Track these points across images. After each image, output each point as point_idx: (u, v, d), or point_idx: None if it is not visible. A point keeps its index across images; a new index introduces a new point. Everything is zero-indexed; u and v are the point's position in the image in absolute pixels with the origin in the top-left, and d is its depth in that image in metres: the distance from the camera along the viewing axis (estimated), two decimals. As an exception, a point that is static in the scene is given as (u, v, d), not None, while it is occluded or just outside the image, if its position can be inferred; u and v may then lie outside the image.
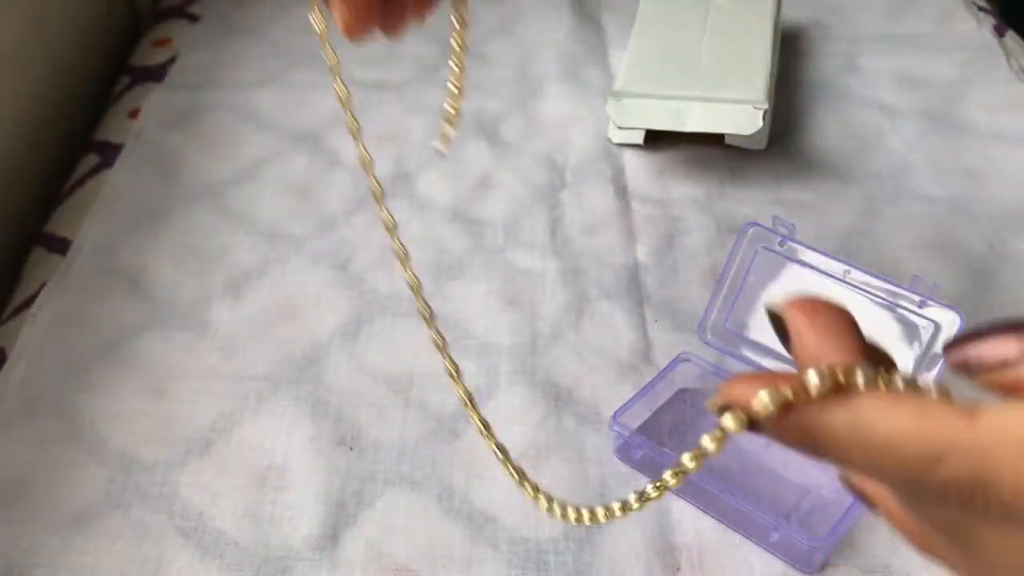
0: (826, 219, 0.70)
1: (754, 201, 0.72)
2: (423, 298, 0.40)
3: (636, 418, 0.56)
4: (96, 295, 0.66)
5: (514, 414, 0.58)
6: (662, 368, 0.57)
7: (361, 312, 0.65)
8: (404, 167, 0.77)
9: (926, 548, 0.29)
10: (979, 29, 0.90)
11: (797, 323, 0.27)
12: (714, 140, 0.76)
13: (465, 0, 0.43)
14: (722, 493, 0.50)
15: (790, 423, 0.26)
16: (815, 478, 0.53)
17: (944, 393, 0.25)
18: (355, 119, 0.40)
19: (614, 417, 0.54)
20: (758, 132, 0.70)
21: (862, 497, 0.31)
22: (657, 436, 0.56)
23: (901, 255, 0.67)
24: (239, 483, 0.54)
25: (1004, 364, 0.25)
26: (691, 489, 0.52)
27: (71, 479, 0.55)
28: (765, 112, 0.70)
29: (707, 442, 0.27)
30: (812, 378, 0.25)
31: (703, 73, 0.74)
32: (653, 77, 0.75)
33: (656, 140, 0.77)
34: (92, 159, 0.80)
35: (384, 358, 0.61)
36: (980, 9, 0.93)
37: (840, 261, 0.54)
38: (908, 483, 0.25)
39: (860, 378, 0.25)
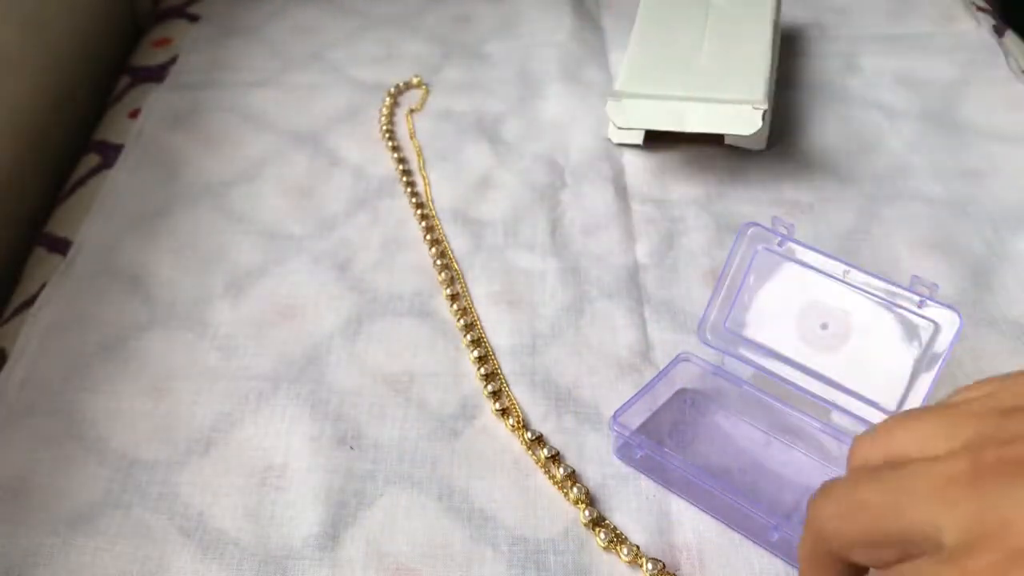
0: (825, 219, 0.70)
1: (754, 201, 0.72)
2: None
3: (636, 418, 0.56)
4: (96, 295, 0.66)
5: (514, 415, 0.58)
6: (662, 368, 0.57)
7: (361, 312, 0.65)
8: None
9: None
10: (978, 29, 0.90)
11: None
12: (714, 140, 0.76)
13: None
14: (722, 493, 0.50)
15: None
16: (816, 478, 0.53)
17: None
18: None
19: (614, 417, 0.54)
20: (758, 132, 0.70)
21: None
22: (657, 436, 0.56)
23: (900, 255, 0.67)
24: (239, 483, 0.55)
25: None
26: (691, 489, 0.52)
27: (71, 479, 0.55)
28: (765, 112, 0.70)
29: None
30: None
31: (703, 73, 0.74)
32: (653, 77, 0.75)
33: (656, 140, 0.77)
34: (92, 159, 0.80)
35: (384, 357, 0.61)
36: (979, 9, 0.93)
37: (839, 261, 0.54)
38: None
39: None
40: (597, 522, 0.52)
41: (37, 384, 0.60)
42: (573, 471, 0.54)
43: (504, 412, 0.58)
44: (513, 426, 0.57)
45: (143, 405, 0.59)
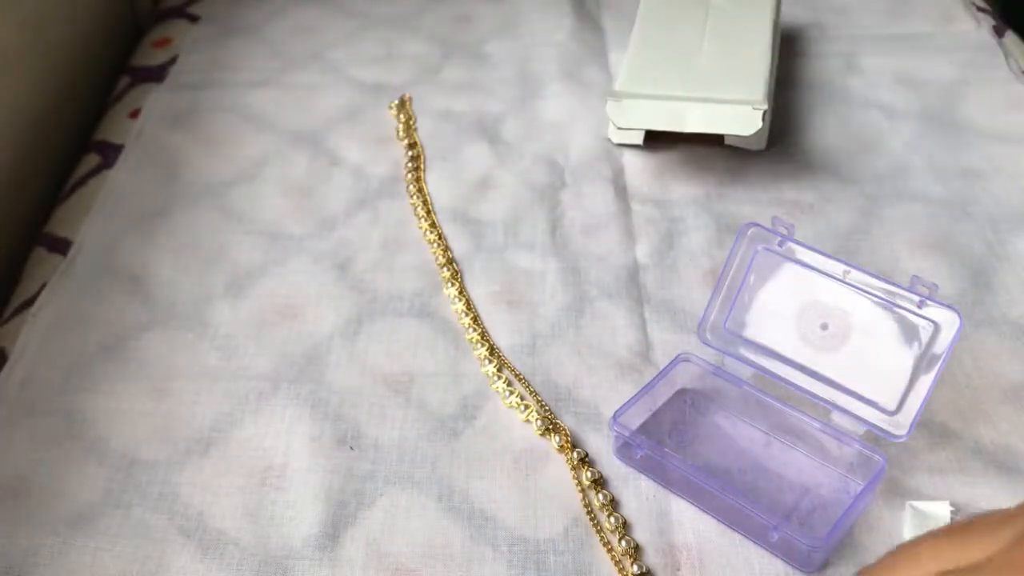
0: (826, 219, 0.70)
1: (754, 201, 0.72)
2: None
3: (636, 418, 0.56)
4: (96, 295, 0.66)
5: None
6: (662, 368, 0.57)
7: (361, 312, 0.65)
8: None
9: None
10: (978, 30, 0.90)
11: None
12: (714, 140, 0.76)
13: None
14: (722, 493, 0.51)
15: None
16: (815, 478, 0.53)
17: None
18: None
19: (614, 417, 0.54)
20: (758, 132, 0.70)
21: None
22: (657, 436, 0.56)
23: (900, 255, 0.67)
24: (239, 483, 0.55)
25: None
26: (691, 489, 0.52)
27: (71, 479, 0.55)
28: (764, 112, 0.70)
29: None
30: None
31: (702, 74, 0.74)
32: (653, 78, 0.75)
33: (656, 140, 0.77)
34: (93, 159, 0.80)
35: (384, 358, 0.62)
36: (979, 10, 0.93)
37: (839, 261, 0.54)
38: None
39: None
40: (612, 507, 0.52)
41: (37, 384, 0.60)
42: (601, 475, 0.54)
43: (519, 401, 0.58)
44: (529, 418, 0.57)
45: (143, 405, 0.59)
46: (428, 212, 0.72)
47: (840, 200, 0.72)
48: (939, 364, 0.51)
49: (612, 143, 0.79)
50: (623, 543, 0.51)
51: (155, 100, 0.86)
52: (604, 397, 0.59)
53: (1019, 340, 0.61)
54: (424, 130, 0.81)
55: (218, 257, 0.69)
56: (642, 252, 0.69)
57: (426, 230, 0.71)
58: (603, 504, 0.53)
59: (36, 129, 0.82)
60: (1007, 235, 0.68)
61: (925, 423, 0.56)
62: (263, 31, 0.95)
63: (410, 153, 0.78)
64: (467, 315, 0.64)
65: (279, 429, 0.57)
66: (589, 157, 0.77)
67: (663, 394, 0.58)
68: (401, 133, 0.80)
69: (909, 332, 0.52)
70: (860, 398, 0.53)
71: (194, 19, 0.98)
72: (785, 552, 0.50)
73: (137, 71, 0.91)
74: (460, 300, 0.65)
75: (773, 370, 0.55)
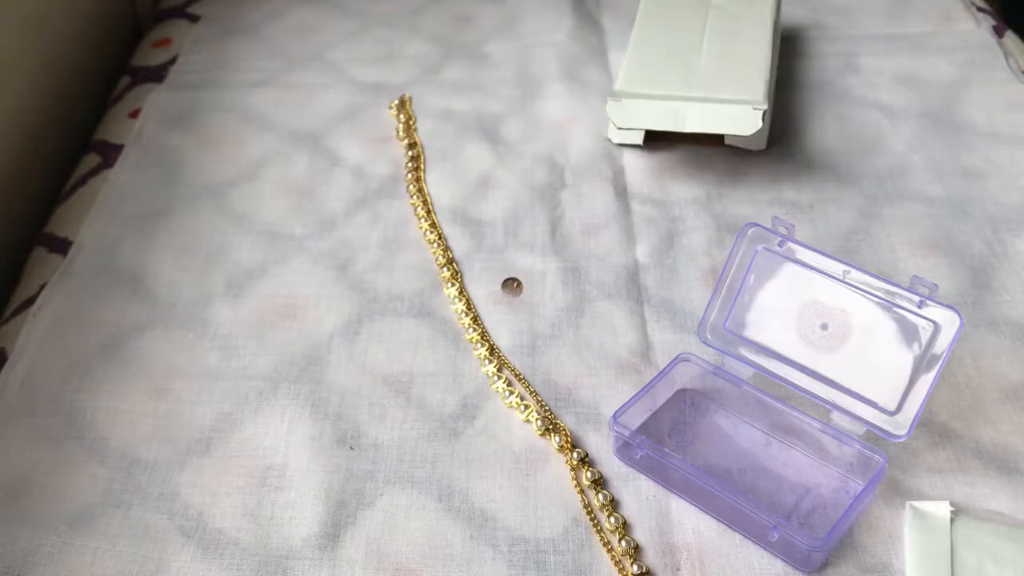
0: (826, 219, 0.70)
1: (754, 201, 0.72)
2: None
3: (636, 418, 0.56)
4: (96, 295, 0.66)
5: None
6: (662, 368, 0.57)
7: (361, 312, 0.65)
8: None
9: None
10: (978, 30, 0.90)
11: None
12: (714, 140, 0.76)
13: None
14: (722, 493, 0.51)
15: None
16: (815, 478, 0.53)
17: None
18: None
19: (614, 417, 0.54)
20: (758, 132, 0.70)
21: None
22: (657, 436, 0.56)
23: (900, 255, 0.67)
24: (239, 483, 0.55)
25: None
26: (691, 489, 0.52)
27: (71, 479, 0.55)
28: (764, 112, 0.70)
29: None
30: None
31: (702, 74, 0.74)
32: (652, 78, 0.75)
33: (656, 140, 0.77)
34: (93, 159, 0.80)
35: (384, 358, 0.62)
36: (979, 10, 0.93)
37: (840, 261, 0.54)
38: None
39: None
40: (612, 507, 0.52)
41: (37, 384, 0.60)
42: (601, 476, 0.54)
43: (520, 402, 0.58)
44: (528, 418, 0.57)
45: (143, 405, 0.59)
46: (428, 212, 0.72)
47: (840, 200, 0.72)
48: (939, 364, 0.51)
49: (612, 143, 0.79)
50: (623, 543, 0.51)
51: (155, 100, 0.86)
52: (604, 397, 0.59)
53: (1019, 340, 0.61)
54: (424, 130, 0.81)
55: (218, 257, 0.69)
56: (642, 252, 0.69)
57: (426, 230, 0.71)
58: (603, 504, 0.53)
59: (36, 129, 0.82)
60: (1007, 235, 0.68)
61: (925, 423, 0.56)
62: (263, 31, 0.95)
63: (410, 153, 0.78)
64: (467, 315, 0.64)
65: (279, 429, 0.57)
66: (589, 157, 0.77)
67: (663, 394, 0.58)
68: (401, 133, 0.80)
69: (909, 332, 0.52)
70: (860, 398, 0.53)
71: (194, 19, 0.98)
72: (785, 552, 0.50)
73: (137, 71, 0.91)
74: (460, 300, 0.65)
75: (773, 370, 0.55)
